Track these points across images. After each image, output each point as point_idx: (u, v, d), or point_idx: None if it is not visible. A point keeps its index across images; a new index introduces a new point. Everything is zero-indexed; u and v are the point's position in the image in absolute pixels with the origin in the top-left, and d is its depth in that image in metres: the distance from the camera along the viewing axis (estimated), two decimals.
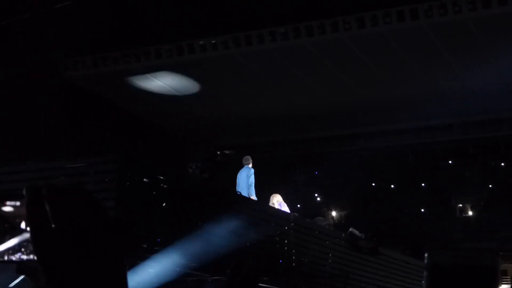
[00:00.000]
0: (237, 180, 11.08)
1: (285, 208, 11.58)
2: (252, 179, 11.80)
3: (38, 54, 30.38)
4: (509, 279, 32.68)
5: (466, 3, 27.29)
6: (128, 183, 7.23)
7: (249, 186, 11.65)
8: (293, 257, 9.72)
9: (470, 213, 32.09)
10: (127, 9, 31.45)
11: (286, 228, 9.75)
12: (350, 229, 11.43)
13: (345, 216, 34.60)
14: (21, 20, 29.27)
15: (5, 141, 24.89)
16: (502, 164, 33.51)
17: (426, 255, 2.86)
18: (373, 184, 34.48)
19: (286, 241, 9.57)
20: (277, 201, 11.37)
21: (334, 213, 34.42)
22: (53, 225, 1.34)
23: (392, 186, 34.86)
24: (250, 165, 11.85)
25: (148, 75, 31.39)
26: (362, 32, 28.81)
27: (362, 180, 34.53)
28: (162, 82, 31.73)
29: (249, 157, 11.78)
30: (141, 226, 7.14)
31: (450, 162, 34.84)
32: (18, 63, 29.01)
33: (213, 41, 30.36)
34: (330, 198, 35.31)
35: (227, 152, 26.89)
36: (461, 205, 32.29)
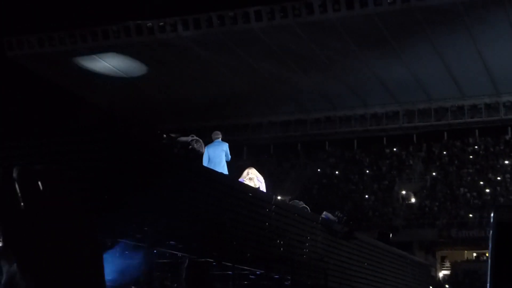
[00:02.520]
0: (206, 156, 9.73)
1: (262, 184, 10.53)
2: (228, 154, 10.68)
3: None
4: (448, 265, 32.44)
5: None
6: (116, 162, 6.76)
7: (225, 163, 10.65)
8: (277, 241, 9.14)
9: (413, 200, 31.63)
10: None
11: (267, 210, 9.06)
12: (324, 213, 10.79)
13: (289, 202, 33.76)
14: None
15: None
16: (445, 152, 33.11)
17: (492, 214, 2.95)
18: (318, 170, 33.68)
19: (267, 224, 8.97)
20: (253, 176, 10.23)
21: (279, 198, 33.50)
22: (22, 207, 1.35)
23: (337, 172, 34.12)
24: (220, 139, 10.71)
25: (94, 56, 30.11)
26: (310, 18, 28.22)
27: (307, 166, 33.76)
28: (108, 64, 30.45)
29: (219, 131, 10.59)
30: (130, 206, 6.62)
31: (394, 149, 34.28)
32: None
33: (161, 23, 29.47)
34: (275, 183, 34.41)
35: (173, 135, 25.16)
36: (404, 192, 31.84)
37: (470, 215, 30.09)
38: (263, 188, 10.32)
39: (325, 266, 10.29)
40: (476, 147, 32.76)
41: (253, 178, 10.25)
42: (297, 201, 11.08)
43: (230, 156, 10.68)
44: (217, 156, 10.29)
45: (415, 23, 27.39)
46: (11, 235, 1.36)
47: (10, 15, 29.79)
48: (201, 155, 9.21)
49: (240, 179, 9.97)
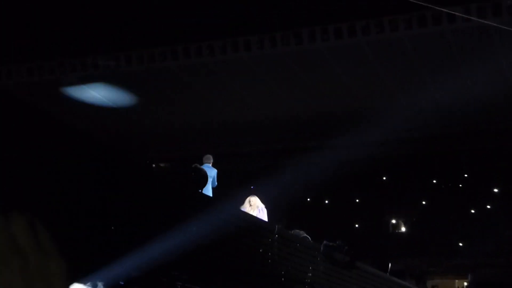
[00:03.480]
0: None
1: (264, 213, 10.37)
2: (215, 180, 10.49)
3: None
4: None
5: (402, 21, 27.13)
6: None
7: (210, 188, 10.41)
8: (280, 271, 9.03)
9: (403, 229, 31.82)
10: (63, 18, 30.06)
11: (270, 240, 8.93)
12: (324, 242, 10.61)
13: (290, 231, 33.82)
14: None
15: None
16: (434, 181, 33.17)
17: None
18: (308, 199, 33.61)
19: (270, 254, 8.89)
20: (255, 206, 10.05)
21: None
22: None
23: (326, 201, 34.12)
24: (211, 164, 10.50)
25: (83, 86, 30.07)
26: (299, 48, 28.42)
27: (298, 194, 33.64)
28: (97, 93, 30.47)
29: (210, 156, 10.38)
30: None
31: (384, 178, 34.26)
32: None
33: (151, 53, 29.41)
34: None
35: (162, 165, 25.32)
36: (394, 221, 32.03)
37: (460, 244, 30.42)
38: (264, 216, 10.12)
39: None
40: (465, 175, 33.04)
41: (255, 207, 10.08)
42: (297, 230, 10.87)
43: (216, 183, 10.50)
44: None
45: (404, 53, 27.56)
46: None
47: None
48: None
49: (241, 208, 9.77)
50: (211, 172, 10.64)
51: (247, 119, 32.15)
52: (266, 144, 34.83)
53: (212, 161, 10.47)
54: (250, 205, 10.22)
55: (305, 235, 10.69)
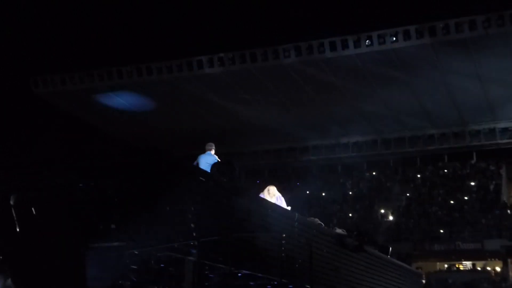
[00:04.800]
0: (195, 164, 9.99)
1: (283, 202, 10.34)
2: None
3: (10, 72, 30.87)
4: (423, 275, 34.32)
5: (389, 35, 29.23)
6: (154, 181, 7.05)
7: None
8: (299, 254, 9.56)
9: (391, 217, 33.58)
10: (92, 33, 32.22)
11: (291, 227, 9.37)
12: (335, 228, 11.60)
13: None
14: None
15: None
16: (418, 175, 35.20)
17: None
18: (307, 192, 35.58)
19: (291, 240, 9.27)
20: (273, 194, 10.04)
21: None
22: (17, 230, 1.42)
23: (323, 194, 36.06)
24: (213, 152, 10.49)
25: (110, 93, 32.12)
26: (301, 59, 30.01)
27: (297, 189, 35.56)
28: (123, 100, 32.51)
29: (212, 143, 10.38)
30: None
31: (374, 173, 36.44)
32: None
33: (168, 65, 31.36)
34: None
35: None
36: (383, 211, 33.72)
37: (441, 231, 31.94)
38: (283, 204, 10.88)
39: (339, 275, 10.62)
40: (445, 170, 35.25)
41: (272, 195, 10.80)
42: (312, 218, 11.83)
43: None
44: (203, 166, 10.20)
45: (389, 63, 29.62)
46: (7, 253, 1.47)
47: (36, 56, 31.58)
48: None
49: (260, 195, 10.44)
50: (209, 159, 10.06)
51: (256, 123, 33.93)
52: (266, 144, 36.67)
53: (213, 148, 10.32)
54: (269, 194, 10.74)
55: (320, 222, 11.58)
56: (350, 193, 35.91)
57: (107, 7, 30.85)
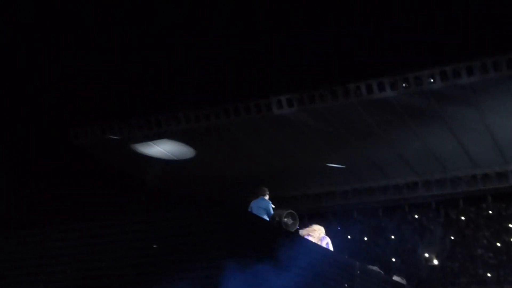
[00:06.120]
0: (249, 210, 9.72)
1: (330, 245, 10.18)
2: (271, 211, 10.47)
3: (50, 124, 31.22)
4: None
5: (426, 77, 28.87)
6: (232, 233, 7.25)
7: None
8: None
9: (435, 261, 32.79)
10: (130, 83, 32.53)
11: (352, 276, 9.25)
12: (394, 277, 11.39)
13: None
14: (36, 93, 30.21)
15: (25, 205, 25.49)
16: (462, 218, 34.39)
17: None
18: (349, 236, 35.06)
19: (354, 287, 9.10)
20: (319, 237, 9.53)
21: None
22: None
23: (365, 238, 35.49)
24: (267, 197, 10.33)
25: (149, 142, 32.21)
26: (335, 103, 29.89)
27: (339, 233, 35.11)
28: (162, 148, 32.58)
29: (266, 188, 10.20)
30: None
31: (416, 216, 35.70)
32: (33, 133, 29.76)
33: (206, 112, 31.40)
34: None
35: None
36: (427, 255, 32.98)
37: (488, 274, 31.03)
38: (331, 248, 10.38)
39: None
40: (489, 211, 34.18)
41: (319, 238, 10.25)
42: (370, 266, 11.40)
43: (272, 213, 10.31)
44: (256, 211, 9.91)
45: (427, 104, 29.27)
46: None
47: (75, 109, 31.94)
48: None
49: (306, 236, 9.91)
50: (264, 204, 10.23)
51: (289, 167, 33.57)
52: (305, 188, 36.29)
53: (267, 193, 10.28)
54: (316, 236, 10.31)
55: (379, 270, 11.20)
56: (393, 237, 35.08)
57: (140, 62, 31.09)
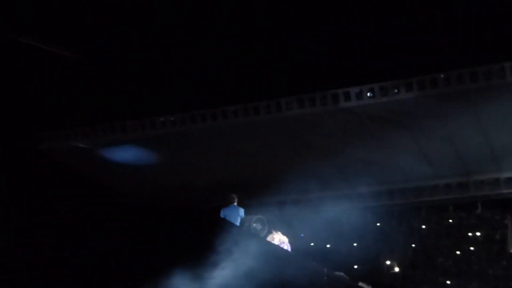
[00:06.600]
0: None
1: (289, 248, 10.40)
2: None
3: (15, 128, 30.80)
4: None
5: (391, 87, 29.20)
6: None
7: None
8: None
9: (397, 269, 33.12)
10: (95, 88, 32.22)
11: (320, 281, 9.39)
12: (359, 283, 11.71)
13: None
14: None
15: None
16: (423, 226, 34.79)
17: None
18: (312, 244, 35.13)
19: None
20: (280, 241, 9.82)
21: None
22: None
23: (328, 245, 35.60)
24: (236, 203, 10.48)
25: (114, 148, 31.90)
26: (302, 111, 30.21)
27: (302, 242, 35.17)
28: (127, 154, 32.21)
29: (235, 195, 10.37)
30: None
31: (378, 224, 35.98)
32: None
33: (172, 118, 31.40)
34: None
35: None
36: (388, 262, 33.25)
37: (448, 282, 31.47)
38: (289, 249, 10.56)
39: None
40: (450, 220, 34.58)
41: (282, 242, 10.46)
42: (337, 272, 11.58)
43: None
44: (233, 219, 10.08)
45: (391, 113, 29.51)
46: None
47: (40, 114, 31.53)
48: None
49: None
50: (239, 212, 10.38)
51: (256, 175, 33.54)
52: (271, 195, 36.26)
53: (236, 200, 10.37)
54: (276, 240, 10.52)
55: (346, 276, 11.51)
56: (355, 244, 35.32)
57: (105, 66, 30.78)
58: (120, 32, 30.23)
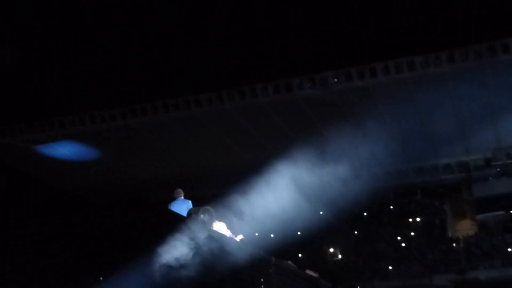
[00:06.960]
0: None
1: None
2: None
3: None
4: None
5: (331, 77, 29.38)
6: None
7: None
8: None
9: (340, 256, 33.35)
10: (31, 82, 31.36)
11: (267, 271, 9.37)
12: (307, 271, 11.73)
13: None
14: None
15: None
16: (365, 213, 35.18)
17: None
18: (256, 234, 35.12)
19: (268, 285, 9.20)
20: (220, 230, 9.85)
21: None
22: None
23: (272, 235, 35.73)
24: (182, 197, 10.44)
25: (52, 144, 31.21)
26: (244, 103, 30.39)
27: (246, 233, 35.18)
28: (65, 150, 31.63)
29: (181, 190, 10.25)
30: None
31: (321, 212, 36.13)
32: None
33: (112, 112, 30.93)
34: None
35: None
36: (332, 250, 33.44)
37: (390, 267, 31.83)
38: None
39: None
40: (391, 207, 35.11)
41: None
42: (286, 261, 11.68)
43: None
44: (182, 212, 10.13)
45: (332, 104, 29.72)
46: None
47: None
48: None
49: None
50: (188, 205, 10.32)
51: (203, 166, 33.39)
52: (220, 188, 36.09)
53: (182, 194, 10.29)
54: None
55: (294, 264, 11.60)
56: (299, 233, 35.40)
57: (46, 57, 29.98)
58: (57, 28, 29.56)
